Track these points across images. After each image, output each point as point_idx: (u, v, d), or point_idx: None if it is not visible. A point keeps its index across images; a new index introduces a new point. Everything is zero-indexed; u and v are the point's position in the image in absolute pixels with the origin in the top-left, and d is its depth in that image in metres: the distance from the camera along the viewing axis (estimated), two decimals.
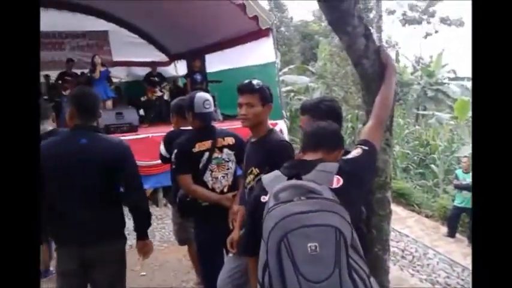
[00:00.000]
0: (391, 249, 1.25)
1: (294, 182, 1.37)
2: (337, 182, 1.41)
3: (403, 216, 7.19)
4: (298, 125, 1.96)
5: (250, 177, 2.10)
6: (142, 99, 8.58)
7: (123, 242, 2.17)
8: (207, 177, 2.46)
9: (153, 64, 8.85)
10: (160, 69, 9.43)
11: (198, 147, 2.44)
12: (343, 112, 1.98)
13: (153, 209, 5.77)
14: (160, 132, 6.21)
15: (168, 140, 2.87)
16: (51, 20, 7.71)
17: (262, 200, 1.45)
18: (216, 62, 8.29)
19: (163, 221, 5.46)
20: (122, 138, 5.54)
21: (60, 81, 7.65)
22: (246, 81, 2.07)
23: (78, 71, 7.96)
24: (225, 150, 2.51)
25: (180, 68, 9.82)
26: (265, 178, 1.52)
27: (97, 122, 2.22)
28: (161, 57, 10.18)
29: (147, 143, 5.83)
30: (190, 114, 2.52)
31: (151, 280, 3.73)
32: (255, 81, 2.05)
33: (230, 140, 2.54)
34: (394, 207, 5.80)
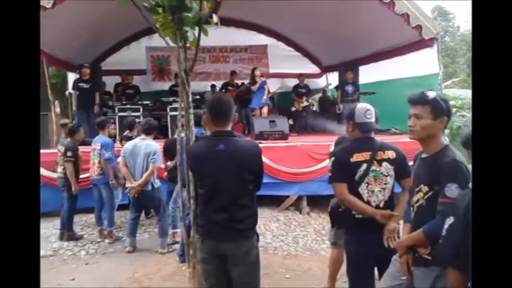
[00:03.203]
0: None
1: None
2: None
3: None
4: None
5: (419, 195, 1.96)
6: (293, 109, 8.94)
7: (255, 239, 2.29)
8: (363, 189, 2.38)
9: (300, 76, 9.16)
10: (311, 80, 9.67)
11: (356, 157, 2.38)
12: None
13: (296, 216, 5.90)
14: (308, 141, 6.37)
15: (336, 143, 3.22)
16: (220, 37, 8.71)
17: None
18: (370, 73, 8.07)
19: (305, 228, 5.50)
20: (273, 144, 5.96)
21: (223, 90, 8.57)
22: (418, 91, 1.96)
23: (239, 81, 8.78)
24: (384, 163, 2.39)
25: (331, 80, 9.90)
26: None
27: (233, 125, 2.34)
28: (314, 69, 10.46)
29: (295, 151, 6.04)
30: (351, 123, 2.49)
31: (295, 283, 3.80)
32: (428, 92, 1.94)
33: (391, 154, 2.41)
34: None
